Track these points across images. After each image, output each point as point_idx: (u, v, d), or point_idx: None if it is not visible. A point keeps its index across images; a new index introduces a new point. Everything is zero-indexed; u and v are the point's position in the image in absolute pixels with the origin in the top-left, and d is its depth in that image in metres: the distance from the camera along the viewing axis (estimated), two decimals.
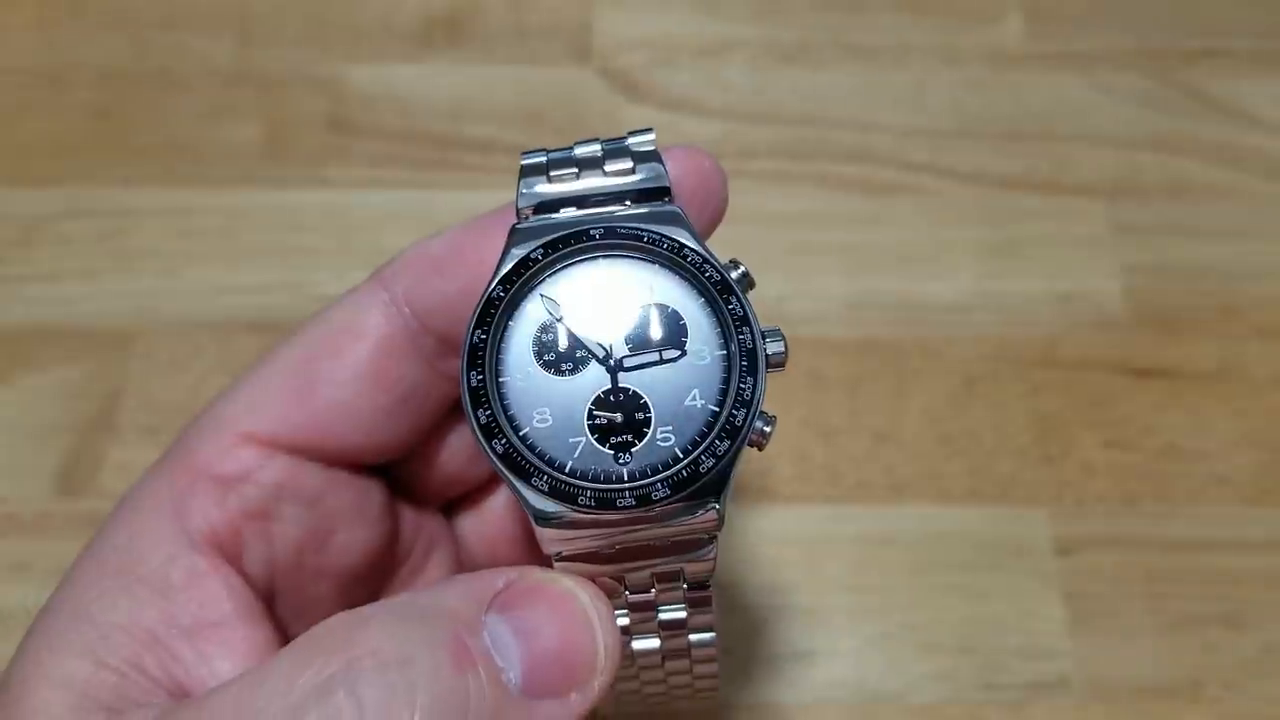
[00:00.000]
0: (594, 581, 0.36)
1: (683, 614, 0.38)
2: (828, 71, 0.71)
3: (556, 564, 0.36)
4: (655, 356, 0.36)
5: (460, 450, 0.43)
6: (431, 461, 0.43)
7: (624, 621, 0.38)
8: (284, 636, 0.39)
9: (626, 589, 0.37)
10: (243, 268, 0.64)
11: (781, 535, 0.58)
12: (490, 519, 0.45)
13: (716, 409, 0.35)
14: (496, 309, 0.36)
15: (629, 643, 0.39)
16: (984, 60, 0.71)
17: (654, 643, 0.39)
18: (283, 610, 0.40)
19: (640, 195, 0.38)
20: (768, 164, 0.68)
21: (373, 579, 0.42)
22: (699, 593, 0.38)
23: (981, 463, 0.59)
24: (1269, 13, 0.72)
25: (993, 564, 0.57)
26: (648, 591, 0.37)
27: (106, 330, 0.62)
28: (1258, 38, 0.71)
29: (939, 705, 0.54)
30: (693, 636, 0.39)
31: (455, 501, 0.46)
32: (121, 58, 0.70)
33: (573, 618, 0.34)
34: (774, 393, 0.56)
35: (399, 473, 0.43)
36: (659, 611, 0.38)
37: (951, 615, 0.56)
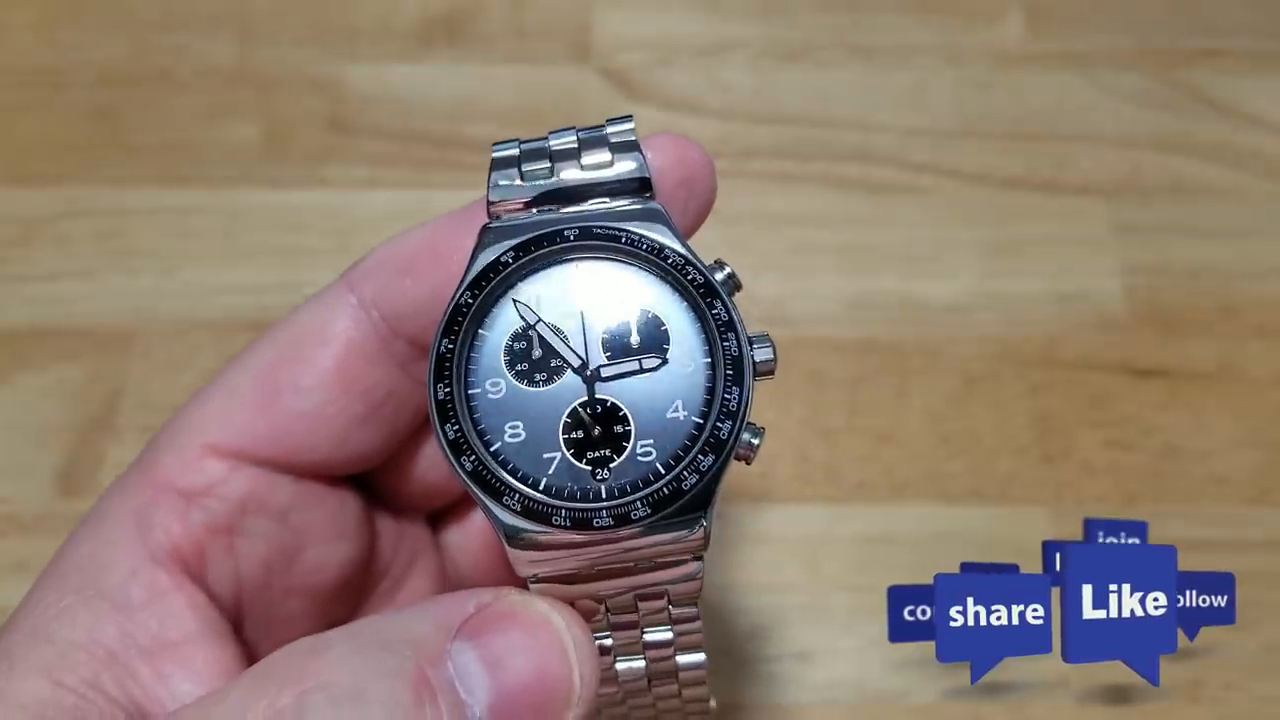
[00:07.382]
0: (573, 603, 0.33)
1: (669, 634, 0.36)
2: (829, 71, 0.70)
3: (532, 586, 0.33)
4: (635, 365, 0.34)
5: (440, 459, 0.40)
6: (409, 471, 0.40)
7: (607, 642, 0.35)
8: (252, 655, 0.37)
9: (608, 610, 0.35)
10: (242, 267, 0.63)
11: (781, 535, 0.57)
12: (474, 532, 0.43)
13: (700, 421, 0.33)
14: (465, 316, 0.34)
15: (613, 664, 0.36)
16: (985, 60, 0.70)
17: (639, 663, 0.37)
18: (252, 628, 0.38)
19: (619, 189, 0.35)
20: (768, 164, 0.67)
21: (350, 594, 0.40)
22: (686, 611, 0.35)
23: (981, 462, 0.59)
24: (1269, 13, 0.71)
25: None
26: (631, 612, 0.35)
27: (106, 330, 0.62)
28: (1258, 38, 0.70)
29: (939, 705, 0.54)
30: (681, 658, 0.37)
31: (440, 512, 0.43)
32: (121, 58, 0.69)
33: (546, 646, 0.31)
34: (774, 392, 0.56)
35: (376, 482, 0.40)
36: (644, 632, 0.36)
37: None
